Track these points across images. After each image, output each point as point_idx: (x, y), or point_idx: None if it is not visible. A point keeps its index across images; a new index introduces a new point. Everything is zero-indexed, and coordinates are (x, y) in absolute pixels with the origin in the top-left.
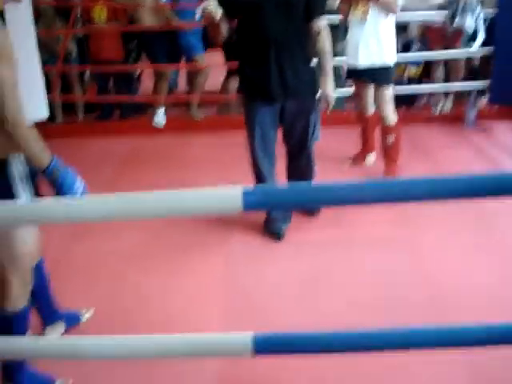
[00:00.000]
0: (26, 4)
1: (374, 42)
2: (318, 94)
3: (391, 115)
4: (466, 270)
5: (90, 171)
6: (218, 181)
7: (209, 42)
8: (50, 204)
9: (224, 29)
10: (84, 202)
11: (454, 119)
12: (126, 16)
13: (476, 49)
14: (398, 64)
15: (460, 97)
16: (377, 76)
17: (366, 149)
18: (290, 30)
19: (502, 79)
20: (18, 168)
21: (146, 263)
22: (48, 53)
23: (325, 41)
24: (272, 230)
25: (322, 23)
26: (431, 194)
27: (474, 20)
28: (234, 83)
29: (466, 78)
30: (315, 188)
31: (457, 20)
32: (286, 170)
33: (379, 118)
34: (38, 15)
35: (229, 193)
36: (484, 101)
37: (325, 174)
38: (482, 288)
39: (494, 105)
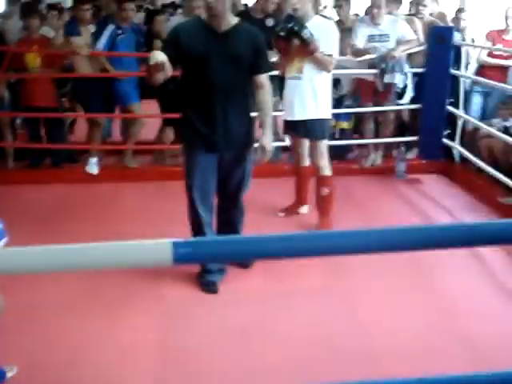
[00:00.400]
0: None
1: (309, 98)
2: (256, 145)
3: (326, 167)
4: (402, 320)
5: (18, 219)
6: (151, 231)
7: (144, 90)
8: None
9: (162, 76)
10: (7, 252)
11: (385, 171)
12: (61, 63)
13: (405, 102)
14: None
15: (390, 150)
16: (312, 130)
17: (299, 201)
18: (235, 81)
19: (429, 135)
20: None
21: (76, 316)
22: None
23: (267, 94)
24: (206, 283)
25: (266, 77)
26: (364, 246)
27: (402, 77)
28: (170, 133)
29: (395, 133)
30: (249, 240)
31: (387, 77)
32: (217, 221)
33: (314, 170)
34: None
35: (158, 245)
36: (413, 154)
37: (258, 225)
38: (418, 338)
39: (422, 158)
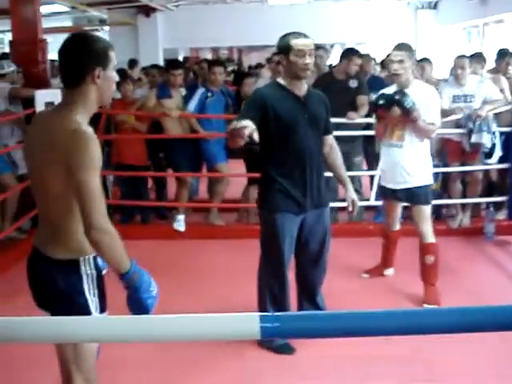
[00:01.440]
0: None
1: (412, 165)
2: (346, 203)
3: (430, 233)
4: None
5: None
6: (234, 291)
7: (231, 150)
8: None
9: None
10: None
11: (473, 233)
12: (150, 121)
13: (494, 161)
14: None
15: (478, 211)
16: (416, 196)
17: (385, 263)
18: (317, 143)
19: None
20: (87, 269)
21: (156, 377)
22: None
23: (339, 153)
24: (279, 343)
25: (333, 138)
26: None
27: (490, 136)
28: (255, 191)
29: (484, 193)
30: (338, 316)
31: (474, 137)
32: (300, 285)
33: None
34: None
35: (246, 319)
36: (502, 215)
37: (341, 286)
38: None
39: None
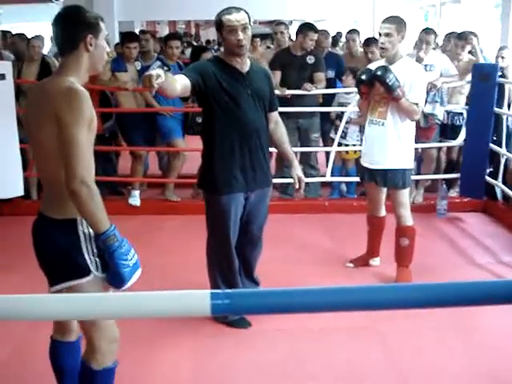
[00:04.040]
0: (9, 82)
1: (391, 145)
2: (292, 180)
3: (407, 217)
4: (440, 362)
5: None
6: (192, 267)
7: (188, 126)
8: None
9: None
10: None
11: (426, 209)
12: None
13: (460, 141)
14: None
15: (432, 188)
16: (393, 179)
17: (371, 252)
18: (262, 120)
19: (471, 173)
20: (85, 228)
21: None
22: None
23: (284, 128)
24: (234, 317)
25: (277, 114)
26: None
27: (442, 109)
28: None
29: (445, 171)
30: (292, 292)
31: (426, 106)
32: (240, 263)
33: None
34: (19, 93)
35: (197, 296)
36: (455, 192)
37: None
38: (457, 381)
39: (464, 196)
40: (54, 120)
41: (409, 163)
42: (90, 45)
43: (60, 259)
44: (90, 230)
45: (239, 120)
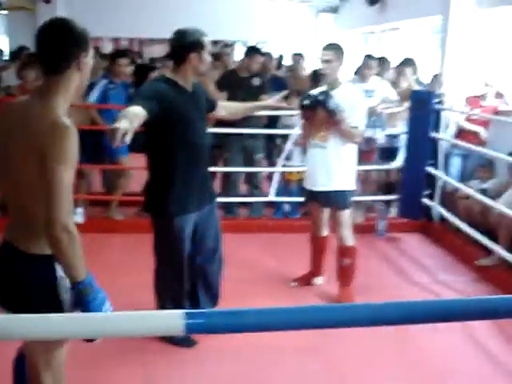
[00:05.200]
0: None
1: (334, 168)
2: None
3: (349, 237)
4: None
5: None
6: (137, 285)
7: (133, 144)
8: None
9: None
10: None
11: (366, 230)
12: None
13: (398, 164)
14: None
15: (371, 209)
16: (336, 200)
17: (314, 271)
18: (207, 137)
19: (410, 194)
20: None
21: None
22: None
23: (229, 102)
24: (181, 337)
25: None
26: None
27: (383, 133)
28: None
29: (383, 192)
30: (266, 311)
31: (367, 131)
32: (193, 285)
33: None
34: None
35: (171, 315)
36: (393, 213)
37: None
38: None
39: (403, 217)
40: (37, 155)
41: (350, 185)
42: (83, 63)
43: (33, 294)
44: None
45: (192, 140)
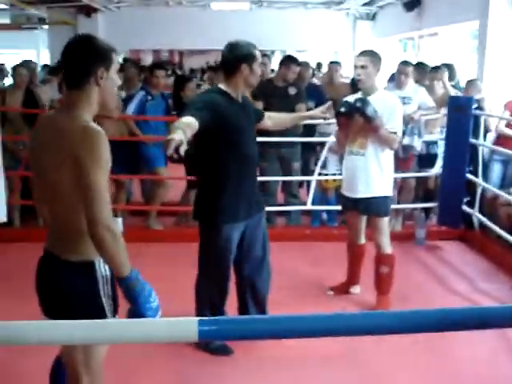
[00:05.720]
0: None
1: (373, 174)
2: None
3: (387, 245)
4: None
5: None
6: (176, 294)
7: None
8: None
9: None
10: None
11: (405, 238)
12: None
13: (437, 170)
14: None
15: (411, 216)
16: (375, 207)
17: (351, 280)
18: (256, 147)
19: (449, 202)
20: (102, 271)
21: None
22: (12, 158)
23: (276, 113)
24: (217, 345)
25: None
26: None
27: (420, 141)
28: (194, 195)
29: (422, 199)
30: (275, 319)
31: (405, 139)
32: (242, 298)
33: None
34: (5, 121)
35: (185, 322)
36: (432, 221)
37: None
38: None
39: (442, 225)
40: (71, 162)
41: (389, 191)
42: (101, 78)
43: (75, 302)
44: (108, 273)
45: (242, 150)
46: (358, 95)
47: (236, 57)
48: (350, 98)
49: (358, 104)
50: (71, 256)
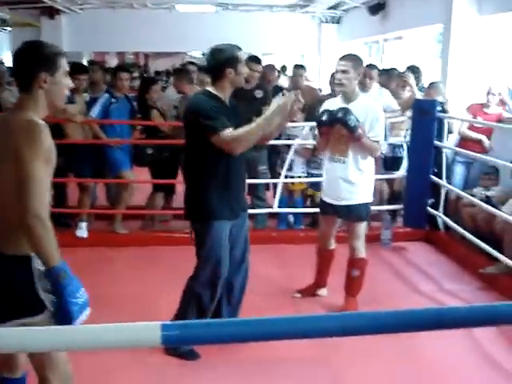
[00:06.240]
0: None
1: (354, 181)
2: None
3: (362, 249)
4: None
5: None
6: (143, 299)
7: (135, 158)
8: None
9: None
10: None
11: (370, 239)
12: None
13: (402, 173)
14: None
15: (375, 218)
16: (356, 212)
17: (319, 283)
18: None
19: (414, 203)
20: (39, 265)
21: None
22: None
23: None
24: (184, 349)
25: None
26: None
27: (386, 144)
28: (159, 199)
29: (388, 201)
30: (243, 322)
31: None
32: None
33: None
34: None
35: (148, 327)
36: (398, 223)
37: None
38: None
39: (407, 226)
40: (13, 156)
41: (370, 197)
42: (45, 82)
43: (13, 296)
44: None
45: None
46: (339, 100)
47: (219, 62)
48: (332, 106)
49: (340, 114)
50: (7, 249)
